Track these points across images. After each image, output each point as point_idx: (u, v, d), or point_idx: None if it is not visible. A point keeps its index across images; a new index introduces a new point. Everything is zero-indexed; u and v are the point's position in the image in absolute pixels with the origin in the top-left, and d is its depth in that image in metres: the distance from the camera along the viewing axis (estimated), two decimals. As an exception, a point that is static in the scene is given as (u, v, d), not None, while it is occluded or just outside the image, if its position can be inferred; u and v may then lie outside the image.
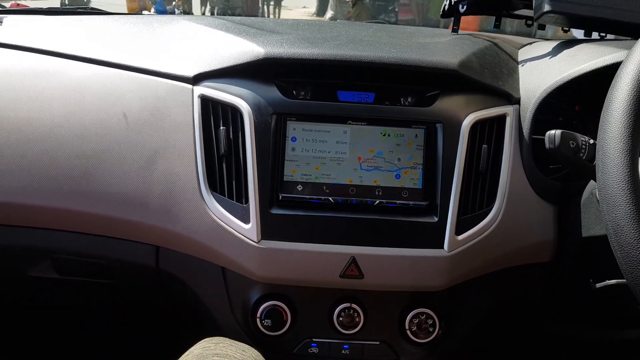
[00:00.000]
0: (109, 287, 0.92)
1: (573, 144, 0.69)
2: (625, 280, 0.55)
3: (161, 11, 5.30)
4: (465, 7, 1.07)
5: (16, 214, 0.82)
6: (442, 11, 1.11)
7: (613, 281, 0.75)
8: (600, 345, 1.05)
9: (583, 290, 0.81)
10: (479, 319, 0.87)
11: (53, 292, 0.98)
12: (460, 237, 0.77)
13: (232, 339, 0.74)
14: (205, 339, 0.73)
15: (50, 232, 0.84)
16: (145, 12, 5.49)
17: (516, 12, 1.06)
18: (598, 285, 0.77)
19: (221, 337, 0.73)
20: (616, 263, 0.55)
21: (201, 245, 0.79)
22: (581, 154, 0.69)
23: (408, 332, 0.82)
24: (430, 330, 0.82)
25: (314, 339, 0.83)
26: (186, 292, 0.85)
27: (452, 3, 1.08)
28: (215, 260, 0.81)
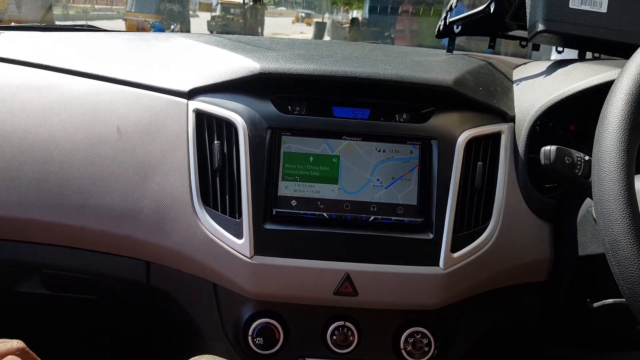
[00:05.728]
0: (99, 303, 0.90)
1: (568, 159, 0.69)
2: (623, 299, 0.54)
3: (160, 34, 5.33)
4: (460, 27, 1.08)
5: (4, 228, 0.81)
6: (437, 31, 1.12)
7: (610, 300, 0.74)
8: None
9: (580, 311, 0.80)
10: (475, 339, 0.86)
11: (42, 308, 0.96)
12: (455, 255, 0.76)
13: (223, 357, 0.73)
14: (195, 357, 0.71)
15: (39, 246, 0.83)
16: (143, 34, 5.53)
17: (510, 33, 1.08)
18: (595, 304, 0.76)
19: (211, 356, 0.72)
20: (614, 282, 0.54)
21: (193, 261, 0.77)
22: (577, 170, 0.69)
23: (403, 351, 0.80)
24: (426, 350, 0.80)
25: (307, 359, 0.81)
26: (177, 309, 0.83)
27: (447, 23, 1.09)
28: (207, 277, 0.79)
